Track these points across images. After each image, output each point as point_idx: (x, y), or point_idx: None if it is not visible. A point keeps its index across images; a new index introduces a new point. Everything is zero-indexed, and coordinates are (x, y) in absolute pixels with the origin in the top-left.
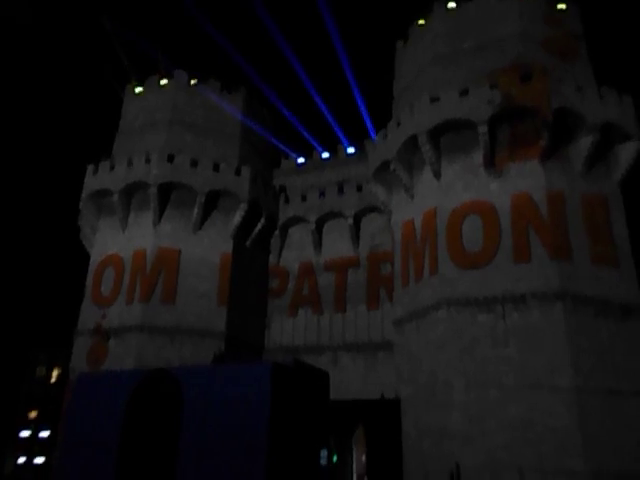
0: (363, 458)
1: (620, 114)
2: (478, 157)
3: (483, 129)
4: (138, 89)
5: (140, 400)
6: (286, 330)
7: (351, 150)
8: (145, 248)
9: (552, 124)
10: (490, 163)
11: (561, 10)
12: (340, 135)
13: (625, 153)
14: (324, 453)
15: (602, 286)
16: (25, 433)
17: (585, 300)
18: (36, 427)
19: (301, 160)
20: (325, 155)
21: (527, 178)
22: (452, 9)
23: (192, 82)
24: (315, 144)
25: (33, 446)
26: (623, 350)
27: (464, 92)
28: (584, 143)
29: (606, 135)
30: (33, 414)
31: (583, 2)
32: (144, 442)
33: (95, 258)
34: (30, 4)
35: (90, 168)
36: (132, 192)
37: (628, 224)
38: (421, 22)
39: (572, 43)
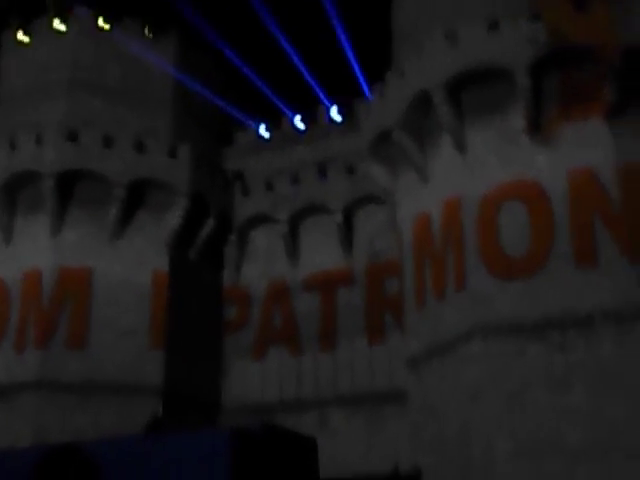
0: None
1: None
2: (518, 119)
3: (523, 79)
4: (22, 37)
5: None
6: (251, 380)
7: (336, 115)
8: (40, 268)
9: (621, 69)
10: (535, 127)
11: None
12: (319, 94)
13: None
14: None
15: None
16: None
17: None
18: None
19: (264, 132)
20: (299, 124)
21: (589, 147)
22: None
23: (101, 24)
24: (283, 108)
25: None
26: None
27: (494, 25)
28: None
29: None
30: None
31: None
32: None
33: None
34: None
35: None
36: (18, 187)
37: None
38: None
39: None
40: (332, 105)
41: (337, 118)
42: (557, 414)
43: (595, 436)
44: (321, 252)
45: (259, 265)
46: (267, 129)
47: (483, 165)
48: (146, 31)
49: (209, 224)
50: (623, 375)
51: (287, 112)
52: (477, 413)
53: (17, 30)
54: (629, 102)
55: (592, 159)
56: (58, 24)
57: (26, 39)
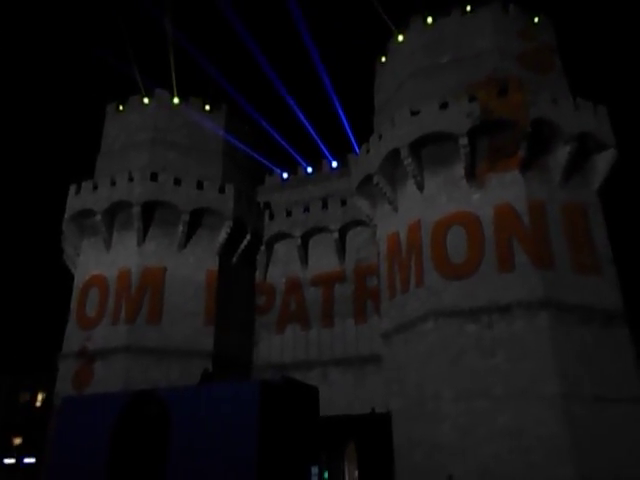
0: (355, 473)
1: (595, 124)
2: (459, 169)
3: (463, 141)
4: (120, 108)
5: (127, 423)
6: (274, 347)
7: (334, 165)
8: (130, 267)
9: (530, 135)
10: (471, 175)
11: (535, 24)
12: (323, 150)
13: (602, 162)
14: (315, 470)
15: (585, 294)
16: (9, 460)
17: (569, 308)
18: (20, 454)
19: (285, 176)
20: (309, 170)
21: (508, 189)
22: (429, 24)
23: (174, 101)
24: (298, 159)
25: (17, 473)
26: (607, 356)
27: (444, 105)
28: (562, 153)
29: (583, 145)
30: (17, 441)
31: (557, 15)
32: (131, 466)
33: (79, 279)
34: None
35: (72, 188)
36: (115, 212)
37: (608, 232)
38: (400, 37)
39: (547, 56)
40: (332, 158)
41: (335, 166)
42: (485, 372)
43: (510, 387)
44: (323, 259)
45: (280, 267)
46: (287, 174)
47: (435, 200)
48: (205, 106)
49: (246, 239)
50: (530, 345)
51: (302, 162)
52: (429, 371)
53: (117, 104)
54: (535, 157)
55: (510, 197)
56: (145, 99)
57: (122, 109)
